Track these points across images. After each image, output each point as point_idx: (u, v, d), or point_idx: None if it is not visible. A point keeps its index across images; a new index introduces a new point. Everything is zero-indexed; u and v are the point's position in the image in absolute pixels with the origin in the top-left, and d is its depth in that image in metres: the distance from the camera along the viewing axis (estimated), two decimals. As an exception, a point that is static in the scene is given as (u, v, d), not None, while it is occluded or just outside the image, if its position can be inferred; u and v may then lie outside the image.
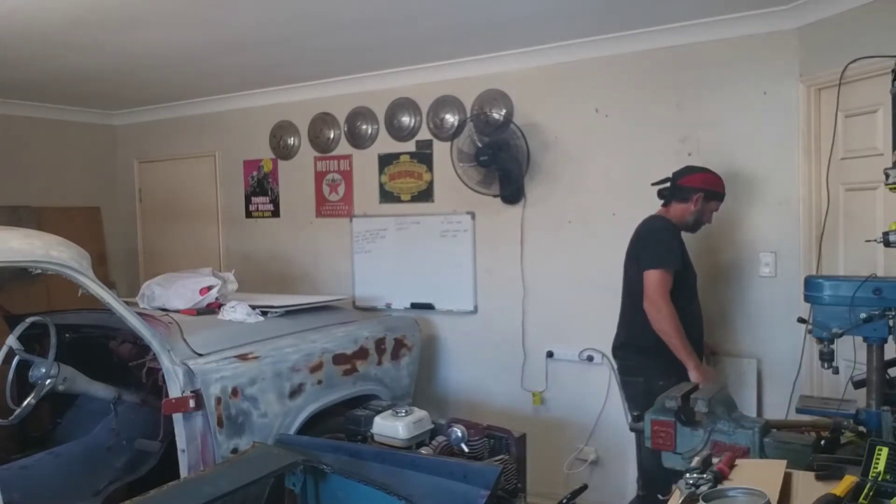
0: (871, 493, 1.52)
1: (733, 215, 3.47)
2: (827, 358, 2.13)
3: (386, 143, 4.55)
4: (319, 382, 3.21)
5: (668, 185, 3.21)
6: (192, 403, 2.73)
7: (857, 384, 2.18)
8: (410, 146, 4.46)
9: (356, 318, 3.90)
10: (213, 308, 3.48)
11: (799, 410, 2.29)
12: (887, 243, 2.14)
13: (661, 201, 3.24)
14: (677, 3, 3.20)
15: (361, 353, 3.46)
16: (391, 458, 2.46)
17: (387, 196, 4.57)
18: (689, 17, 3.39)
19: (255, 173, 5.17)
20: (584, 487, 2.84)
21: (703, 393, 2.15)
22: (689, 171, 3.21)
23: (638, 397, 3.04)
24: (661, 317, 2.97)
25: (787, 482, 1.64)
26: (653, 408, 2.22)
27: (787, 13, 3.25)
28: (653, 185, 3.26)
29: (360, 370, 3.43)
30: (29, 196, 5.12)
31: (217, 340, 3.06)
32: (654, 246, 3.08)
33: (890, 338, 2.02)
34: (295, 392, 3.09)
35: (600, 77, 3.80)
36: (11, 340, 2.73)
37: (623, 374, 3.26)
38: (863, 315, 2.01)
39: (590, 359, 3.87)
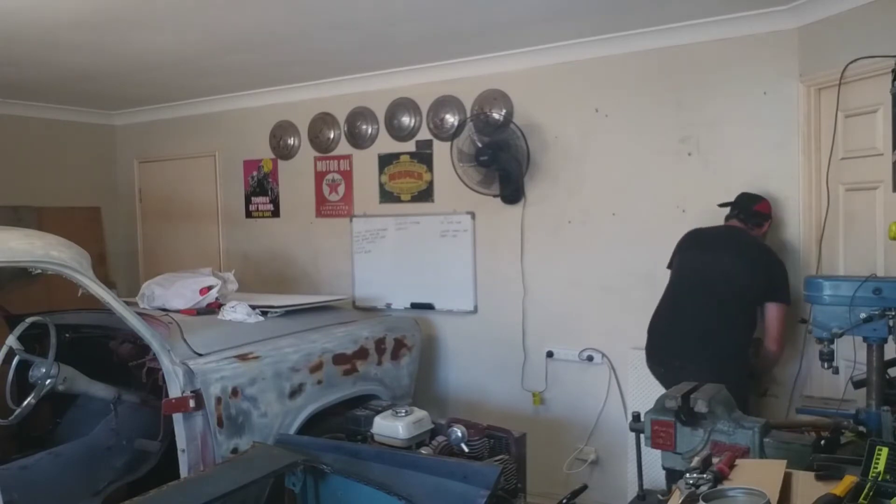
0: (871, 493, 1.52)
1: (733, 215, 3.47)
2: (827, 358, 2.14)
3: (386, 143, 4.55)
4: (319, 382, 3.21)
5: (735, 206, 3.28)
6: (192, 403, 2.73)
7: (857, 384, 2.18)
8: (410, 146, 4.46)
9: (356, 318, 3.90)
10: (213, 308, 3.48)
11: (799, 410, 2.30)
12: None
13: (737, 221, 3.25)
14: (677, 3, 3.20)
15: (361, 353, 3.46)
16: (391, 458, 2.45)
17: (387, 196, 4.57)
18: (688, 17, 3.39)
19: (255, 173, 5.17)
20: (584, 487, 2.83)
21: (703, 393, 2.15)
22: (758, 199, 3.26)
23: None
24: (778, 355, 3.15)
25: (787, 482, 1.64)
26: (653, 408, 2.22)
27: (787, 13, 3.24)
28: (720, 205, 3.32)
29: (360, 370, 3.43)
30: (29, 196, 5.12)
31: (217, 340, 3.06)
32: (783, 278, 3.10)
33: (890, 338, 2.03)
34: (295, 392, 3.09)
35: (600, 77, 3.80)
36: (11, 340, 2.72)
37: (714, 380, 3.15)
38: (863, 315, 2.02)
39: (590, 359, 3.87)
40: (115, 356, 3.19)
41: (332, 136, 4.78)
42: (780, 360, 3.32)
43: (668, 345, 3.21)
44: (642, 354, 3.55)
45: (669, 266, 3.37)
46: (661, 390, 2.93)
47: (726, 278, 3.10)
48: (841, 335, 2.07)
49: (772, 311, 3.09)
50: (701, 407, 2.08)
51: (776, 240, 3.38)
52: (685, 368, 2.95)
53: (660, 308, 3.30)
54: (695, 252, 3.27)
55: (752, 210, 3.23)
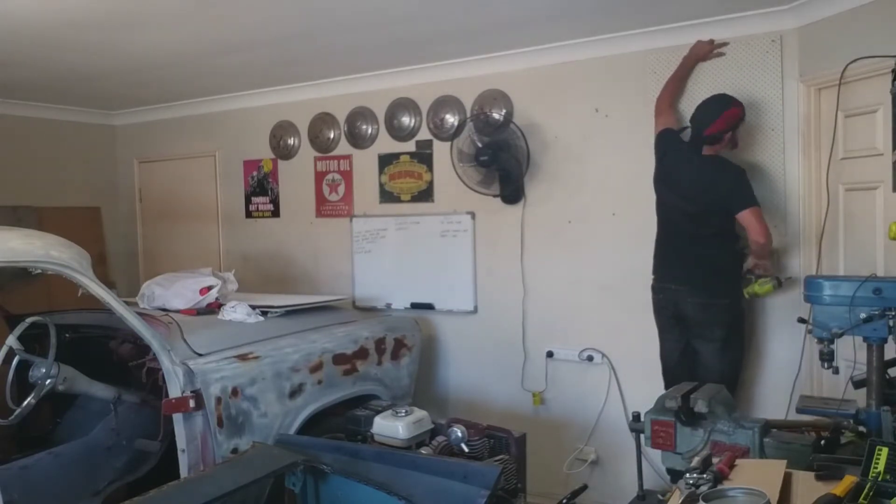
0: (871, 493, 1.52)
1: (733, 215, 3.47)
2: (827, 358, 2.14)
3: (386, 143, 4.54)
4: (319, 382, 3.21)
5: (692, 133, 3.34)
6: (192, 403, 2.73)
7: (857, 384, 2.19)
8: (410, 146, 4.46)
9: (356, 318, 3.90)
10: (213, 308, 3.48)
11: (799, 410, 2.29)
12: None
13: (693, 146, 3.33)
14: (677, 3, 3.20)
15: (361, 353, 3.46)
16: (391, 458, 2.46)
17: (387, 196, 4.57)
18: (689, 17, 3.39)
19: (255, 173, 5.17)
20: (584, 487, 2.84)
21: (703, 393, 2.15)
22: (710, 117, 3.22)
23: (727, 316, 3.25)
24: (767, 245, 3.20)
25: (787, 482, 1.64)
26: (653, 408, 2.22)
27: (787, 13, 3.25)
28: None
29: (360, 370, 3.43)
30: (29, 196, 5.12)
31: (217, 340, 3.06)
32: (742, 186, 3.18)
33: (890, 338, 2.03)
34: (295, 392, 3.09)
35: (600, 77, 3.80)
36: (11, 340, 2.73)
37: (707, 298, 3.28)
38: (863, 315, 2.02)
39: (590, 359, 3.87)
40: (115, 356, 3.19)
41: (332, 136, 4.77)
42: (780, 358, 3.33)
43: (664, 273, 3.42)
44: (642, 355, 3.56)
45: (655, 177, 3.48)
46: (660, 390, 2.94)
47: (695, 217, 3.27)
48: (841, 335, 2.08)
49: (743, 218, 3.15)
50: (701, 407, 2.08)
51: (778, 239, 3.36)
52: (679, 291, 3.30)
53: (656, 243, 3.48)
54: (667, 191, 3.41)
55: (702, 137, 3.23)
